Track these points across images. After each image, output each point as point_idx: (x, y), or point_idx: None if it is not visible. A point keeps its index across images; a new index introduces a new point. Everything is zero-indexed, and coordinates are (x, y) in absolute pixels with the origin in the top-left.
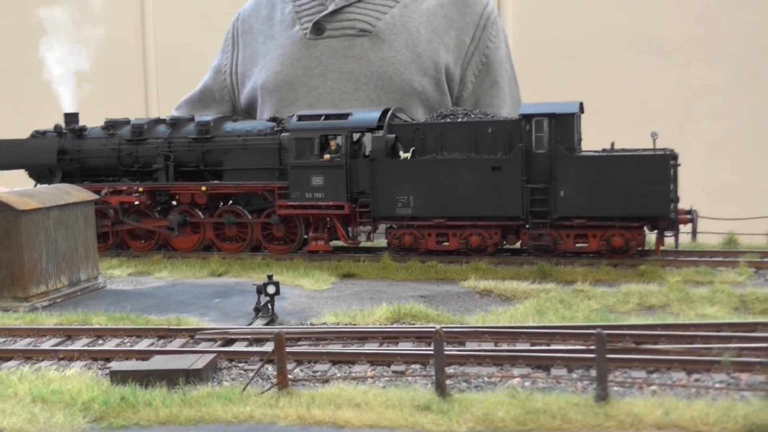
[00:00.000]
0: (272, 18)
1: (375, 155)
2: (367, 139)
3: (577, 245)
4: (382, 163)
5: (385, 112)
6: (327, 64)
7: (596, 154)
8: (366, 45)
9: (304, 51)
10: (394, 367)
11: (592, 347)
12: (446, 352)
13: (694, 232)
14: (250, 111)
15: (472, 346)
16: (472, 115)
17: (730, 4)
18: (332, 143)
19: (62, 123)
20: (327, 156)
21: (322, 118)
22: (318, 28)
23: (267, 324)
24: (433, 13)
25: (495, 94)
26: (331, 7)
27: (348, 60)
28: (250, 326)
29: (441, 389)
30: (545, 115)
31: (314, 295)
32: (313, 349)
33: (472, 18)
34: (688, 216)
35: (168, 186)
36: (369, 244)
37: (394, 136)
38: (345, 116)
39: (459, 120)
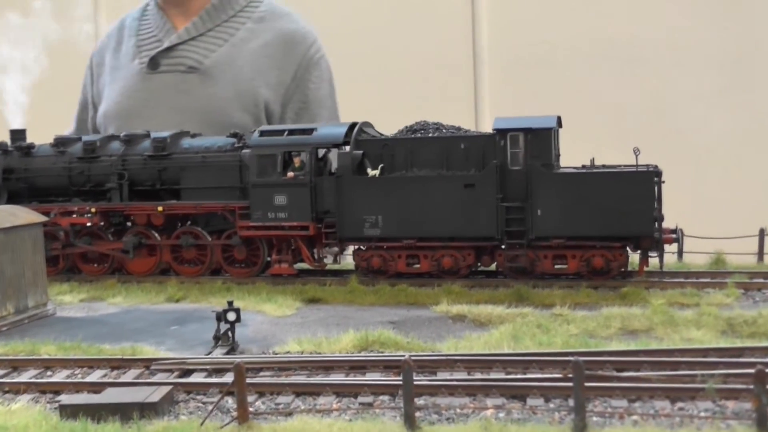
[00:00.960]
0: (119, 50)
1: (341, 172)
2: (333, 155)
3: (556, 266)
4: (349, 181)
5: (352, 127)
6: (160, 97)
7: (575, 171)
8: (195, 81)
9: (141, 84)
10: (361, 399)
11: (570, 375)
12: (416, 382)
13: (679, 252)
14: None
15: (443, 375)
16: (444, 130)
17: (711, 11)
18: (296, 160)
19: (8, 140)
20: (290, 173)
21: (286, 133)
22: (154, 63)
23: (227, 353)
24: (258, 53)
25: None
26: (166, 44)
27: (179, 94)
28: (209, 356)
29: (410, 422)
30: (521, 130)
31: (277, 322)
32: (275, 380)
33: (295, 59)
34: (673, 235)
35: (122, 206)
36: (336, 266)
37: (361, 152)
38: (309, 131)
39: (430, 135)
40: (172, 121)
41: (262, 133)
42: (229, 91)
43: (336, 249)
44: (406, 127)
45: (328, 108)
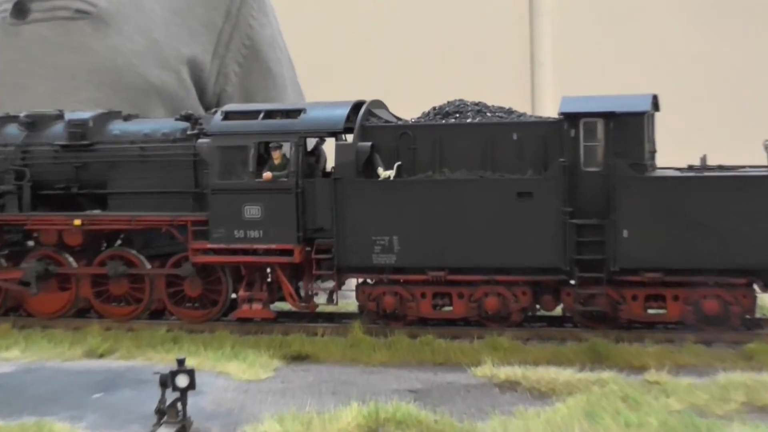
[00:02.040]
0: None
1: (341, 173)
2: (330, 148)
3: (649, 312)
4: (352, 186)
5: (356, 108)
6: (36, 56)
7: (679, 173)
8: (86, 31)
9: (4, 40)
10: None
11: None
12: None
13: None
14: None
15: None
16: (489, 114)
17: None
18: (276, 154)
19: None
20: (268, 174)
21: (261, 115)
22: (20, 10)
23: None
24: None
25: (271, 86)
26: None
27: (63, 51)
28: None
29: None
30: (600, 115)
31: (248, 388)
32: None
33: None
34: None
35: (22, 218)
36: (331, 308)
37: (369, 144)
38: (296, 113)
39: (468, 120)
40: (58, 88)
41: (227, 116)
42: (138, 41)
43: (332, 283)
44: (434, 108)
45: (282, 50)
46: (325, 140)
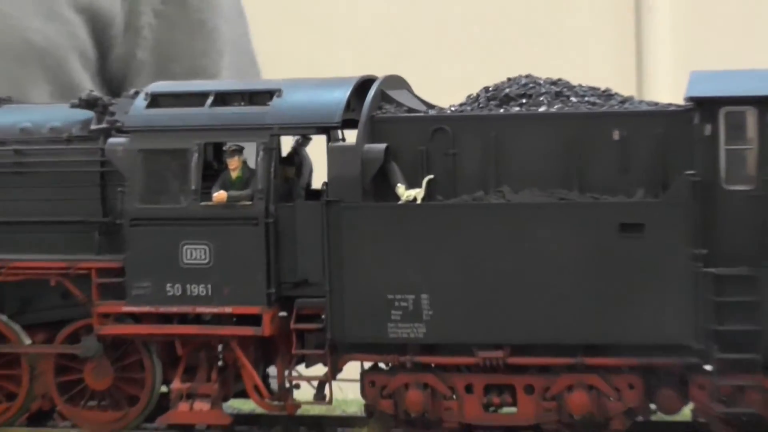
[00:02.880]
0: None
1: (339, 193)
2: (319, 151)
3: None
4: (357, 214)
5: (362, 89)
6: None
7: None
8: None
9: None
10: None
11: None
12: None
13: None
14: None
15: None
16: (572, 98)
17: None
18: (233, 163)
19: None
20: (220, 194)
21: (209, 100)
22: None
23: None
24: None
25: (204, 49)
26: None
27: None
28: None
29: None
30: (754, 101)
31: None
32: None
33: None
34: None
35: None
36: (321, 408)
37: (383, 147)
38: (266, 97)
39: (541, 109)
40: None
41: (155, 100)
42: None
43: (323, 369)
44: (487, 90)
45: None
46: (310, 140)
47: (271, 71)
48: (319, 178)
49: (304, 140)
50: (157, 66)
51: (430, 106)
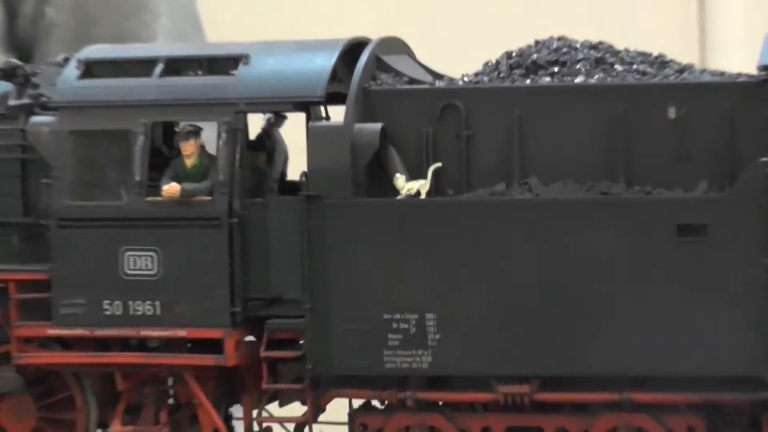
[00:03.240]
0: None
1: (322, 186)
2: (295, 133)
3: None
4: (346, 212)
5: (352, 53)
6: None
7: None
8: None
9: None
10: None
11: None
12: None
13: None
14: None
15: None
16: (617, 66)
17: None
18: (187, 147)
19: None
20: (172, 187)
21: (158, 68)
22: None
23: None
24: None
25: (133, 8)
26: None
27: None
28: None
29: None
30: None
31: None
32: None
33: None
34: None
35: None
36: None
37: (379, 127)
38: (229, 64)
39: (578, 80)
40: None
41: (90, 68)
42: None
43: (303, 408)
44: (509, 56)
45: None
46: (285, 118)
47: (220, 38)
48: (296, 167)
49: (278, 119)
50: (73, 28)
51: (438, 76)
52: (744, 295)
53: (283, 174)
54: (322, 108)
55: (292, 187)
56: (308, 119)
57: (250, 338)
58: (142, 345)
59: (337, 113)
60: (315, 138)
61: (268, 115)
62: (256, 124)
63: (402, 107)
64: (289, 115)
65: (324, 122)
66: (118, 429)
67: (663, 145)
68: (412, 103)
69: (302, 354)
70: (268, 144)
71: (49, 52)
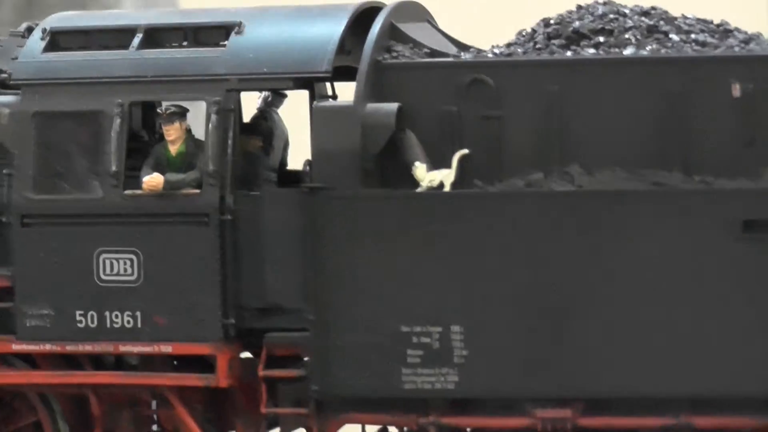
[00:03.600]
0: None
1: (329, 176)
2: (295, 114)
3: None
4: (356, 208)
5: (363, 18)
6: None
7: None
8: None
9: None
10: None
11: None
12: None
13: None
14: None
15: None
16: (673, 35)
17: None
18: (171, 131)
19: None
20: (153, 178)
21: (136, 39)
22: None
23: None
24: None
25: None
26: None
27: None
28: None
29: None
30: None
31: None
32: None
33: None
34: None
35: None
36: None
37: (395, 107)
38: (217, 33)
39: (627, 51)
40: None
41: (56, 39)
42: None
43: None
44: (545, 23)
45: None
46: (285, 97)
47: (196, 4)
48: (297, 154)
49: (276, 98)
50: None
51: (463, 47)
52: None
53: (283, 162)
54: (328, 85)
55: (294, 178)
56: (311, 98)
57: (246, 354)
58: (119, 362)
59: (344, 91)
60: (320, 119)
61: (265, 94)
62: (250, 104)
63: (421, 83)
64: (289, 93)
65: (331, 101)
66: None
67: (725, 127)
68: (434, 78)
69: (306, 373)
70: (265, 127)
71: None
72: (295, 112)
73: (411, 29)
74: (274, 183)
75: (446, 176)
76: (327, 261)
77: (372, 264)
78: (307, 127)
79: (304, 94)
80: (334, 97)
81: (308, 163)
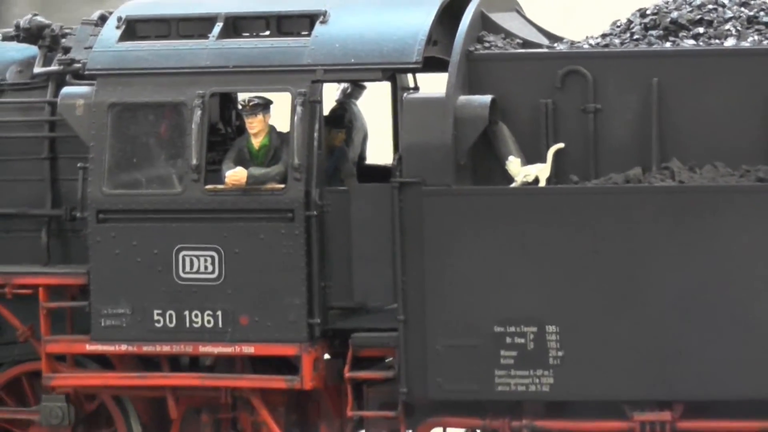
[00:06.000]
0: None
1: (418, 171)
2: (374, 106)
3: None
4: (448, 204)
5: (451, 7)
6: None
7: None
8: None
9: None
10: None
11: None
12: None
13: None
14: None
15: None
16: None
17: None
18: (254, 124)
19: None
20: (236, 173)
21: (216, 28)
22: None
23: None
24: None
25: None
26: None
27: None
28: None
29: None
30: None
31: None
32: None
33: None
34: None
35: None
36: None
37: (489, 99)
38: (301, 23)
39: (728, 42)
40: None
41: (132, 28)
42: None
43: None
44: (641, 14)
45: None
46: (364, 89)
47: None
48: (377, 148)
49: (355, 90)
50: None
51: (555, 38)
52: None
53: (362, 156)
54: (410, 76)
55: (373, 172)
56: (394, 90)
57: (330, 355)
58: (194, 363)
59: (428, 83)
60: (411, 112)
61: (344, 85)
62: (328, 95)
63: (515, 75)
64: (368, 85)
65: (419, 94)
66: None
67: None
68: (528, 70)
69: (395, 375)
70: (346, 118)
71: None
72: (365, 104)
73: (502, 19)
74: (355, 177)
75: (541, 171)
76: (418, 259)
77: (464, 262)
78: (381, 119)
79: (385, 85)
80: (416, 89)
81: (396, 158)
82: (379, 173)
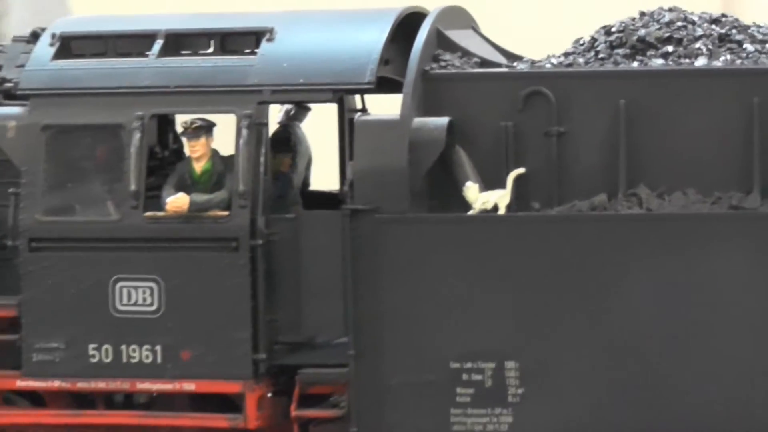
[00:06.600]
0: None
1: (372, 196)
2: (322, 129)
3: None
4: (402, 232)
5: (406, 25)
6: None
7: None
8: None
9: None
10: None
11: None
12: None
13: None
14: None
15: None
16: (746, 44)
17: None
18: (196, 149)
19: None
20: (178, 199)
21: (156, 45)
22: None
23: None
24: None
25: None
26: None
27: None
28: None
29: None
30: None
31: None
32: None
33: None
34: None
35: None
36: None
37: (445, 122)
38: (246, 40)
39: (699, 61)
40: None
41: (67, 45)
42: None
43: None
44: (608, 30)
45: None
46: (309, 110)
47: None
48: (322, 174)
49: (299, 111)
50: None
51: (514, 57)
52: None
53: (305, 182)
54: (358, 97)
55: (319, 199)
56: (341, 112)
57: (274, 392)
58: (129, 400)
59: (377, 105)
60: (365, 135)
61: (287, 107)
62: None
63: (473, 96)
64: (312, 106)
65: (371, 116)
66: None
67: None
68: (487, 90)
69: (344, 413)
70: (292, 140)
71: None
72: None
73: (458, 37)
74: (300, 204)
75: (501, 198)
76: (371, 290)
77: (420, 293)
78: (324, 143)
79: (329, 107)
80: (364, 110)
81: (350, 182)
82: (325, 200)
